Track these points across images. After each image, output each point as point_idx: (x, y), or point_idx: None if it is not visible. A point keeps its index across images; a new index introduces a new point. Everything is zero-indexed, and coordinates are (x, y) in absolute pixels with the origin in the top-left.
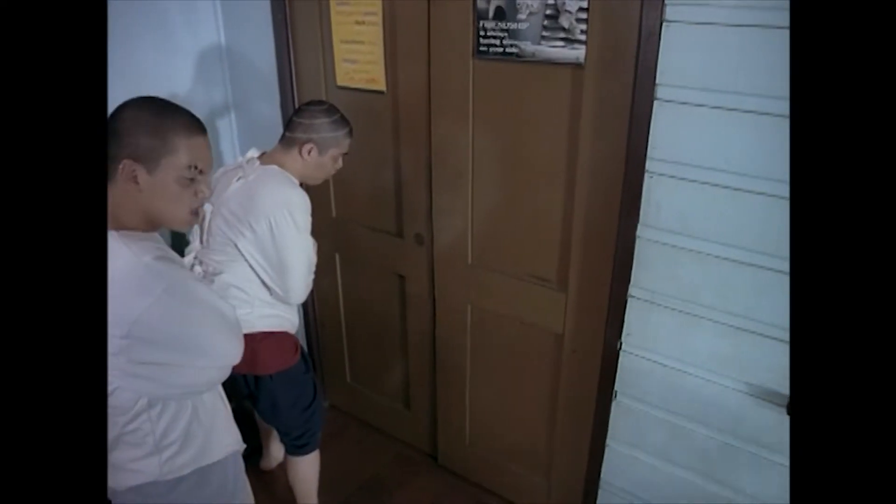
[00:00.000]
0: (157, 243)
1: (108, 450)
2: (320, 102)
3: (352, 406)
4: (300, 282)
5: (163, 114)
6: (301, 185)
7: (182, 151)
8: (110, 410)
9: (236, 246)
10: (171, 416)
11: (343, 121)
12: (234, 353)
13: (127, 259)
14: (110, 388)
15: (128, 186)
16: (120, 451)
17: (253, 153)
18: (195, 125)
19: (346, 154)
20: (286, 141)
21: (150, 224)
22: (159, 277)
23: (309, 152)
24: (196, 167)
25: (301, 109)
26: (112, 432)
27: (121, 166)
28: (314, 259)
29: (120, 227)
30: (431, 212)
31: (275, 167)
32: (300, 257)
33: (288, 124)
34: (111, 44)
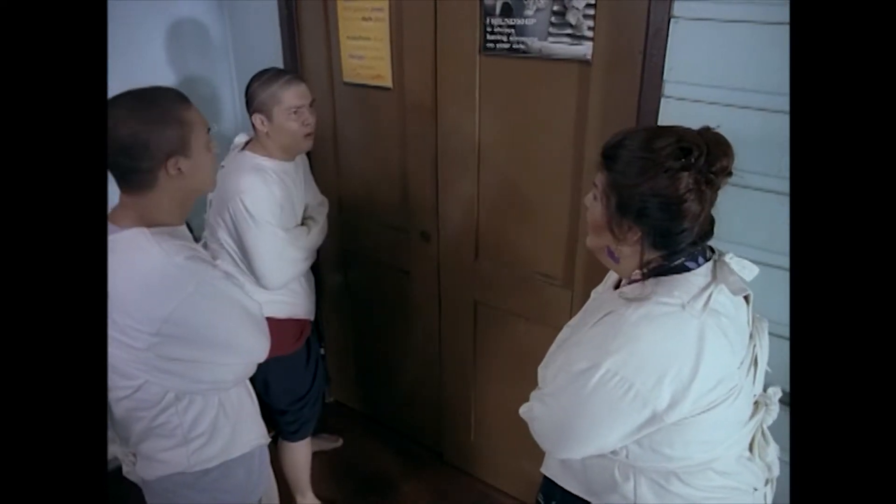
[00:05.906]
0: (188, 241)
1: (138, 441)
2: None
3: (357, 402)
4: (268, 268)
5: (170, 100)
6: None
7: (198, 122)
8: (138, 404)
9: (217, 235)
10: (199, 409)
11: (276, 76)
12: (260, 350)
13: (159, 259)
14: (138, 381)
15: (172, 181)
16: (150, 442)
17: (240, 139)
18: (182, 94)
19: (301, 106)
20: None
21: (185, 207)
22: (190, 277)
23: (262, 123)
24: (208, 129)
25: None
26: (141, 425)
27: (164, 167)
28: (305, 245)
29: (153, 225)
30: (437, 208)
31: (247, 153)
32: (265, 245)
33: None
34: (115, 38)
